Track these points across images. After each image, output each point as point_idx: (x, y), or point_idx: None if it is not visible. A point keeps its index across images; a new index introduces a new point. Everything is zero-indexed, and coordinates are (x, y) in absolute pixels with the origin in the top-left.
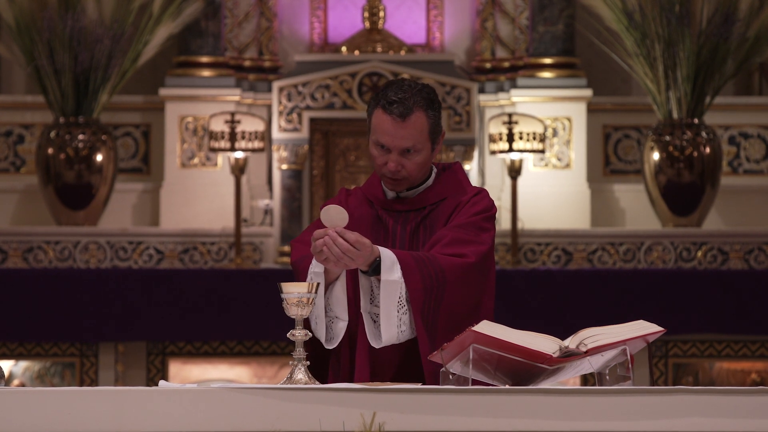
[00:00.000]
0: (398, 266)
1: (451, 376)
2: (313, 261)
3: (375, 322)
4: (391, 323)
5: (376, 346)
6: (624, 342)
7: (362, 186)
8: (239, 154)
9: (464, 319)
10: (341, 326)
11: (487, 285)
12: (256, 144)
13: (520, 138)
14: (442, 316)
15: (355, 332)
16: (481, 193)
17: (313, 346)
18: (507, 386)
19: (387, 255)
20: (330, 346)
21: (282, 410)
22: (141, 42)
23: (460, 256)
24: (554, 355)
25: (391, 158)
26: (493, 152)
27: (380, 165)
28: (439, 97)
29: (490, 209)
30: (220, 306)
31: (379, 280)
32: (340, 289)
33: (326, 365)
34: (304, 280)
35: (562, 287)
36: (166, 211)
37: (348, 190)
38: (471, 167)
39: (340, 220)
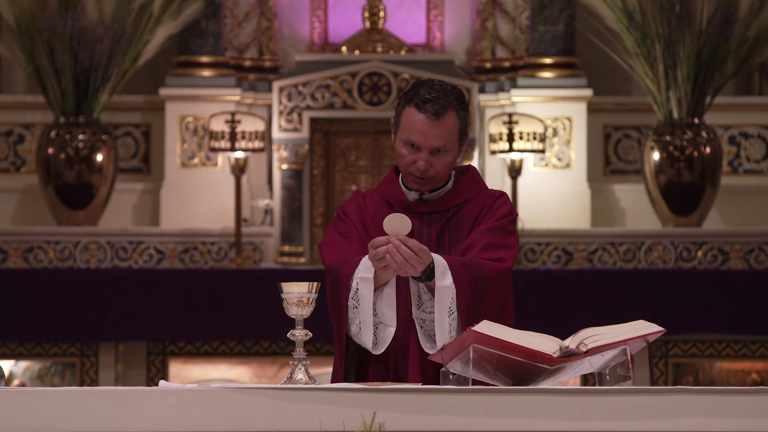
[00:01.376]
0: (449, 272)
1: (451, 376)
2: (360, 266)
3: (422, 327)
4: (443, 329)
5: (430, 352)
6: (624, 342)
7: (378, 188)
8: (239, 154)
9: (494, 318)
10: (389, 332)
11: (509, 285)
12: (257, 144)
13: (521, 138)
14: (479, 318)
15: (398, 337)
16: (503, 197)
17: (347, 347)
18: (507, 386)
19: (439, 261)
20: (377, 352)
21: (282, 410)
22: (141, 42)
23: (498, 260)
24: (554, 355)
25: (420, 157)
26: (493, 152)
27: (408, 163)
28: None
29: (513, 212)
30: (221, 306)
31: (428, 287)
32: (392, 295)
33: (350, 366)
34: (348, 285)
35: (562, 287)
36: (167, 211)
37: (362, 193)
38: None
39: (403, 228)
